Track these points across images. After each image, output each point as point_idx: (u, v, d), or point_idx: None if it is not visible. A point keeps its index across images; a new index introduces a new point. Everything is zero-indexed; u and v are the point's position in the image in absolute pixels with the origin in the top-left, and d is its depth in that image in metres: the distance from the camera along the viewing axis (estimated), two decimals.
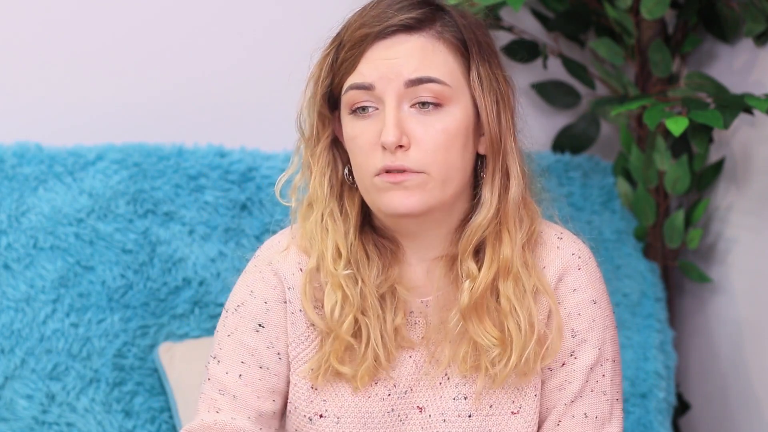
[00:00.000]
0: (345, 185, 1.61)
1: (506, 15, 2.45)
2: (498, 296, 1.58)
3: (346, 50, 1.57)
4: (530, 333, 1.57)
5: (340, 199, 1.61)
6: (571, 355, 1.61)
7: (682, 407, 2.48)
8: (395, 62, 1.54)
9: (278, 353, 1.61)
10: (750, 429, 2.36)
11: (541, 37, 2.49)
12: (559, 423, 1.62)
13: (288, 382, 1.62)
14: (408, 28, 1.55)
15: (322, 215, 1.60)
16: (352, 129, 1.57)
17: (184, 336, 2.16)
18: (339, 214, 1.60)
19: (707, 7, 2.38)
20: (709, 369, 2.46)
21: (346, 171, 1.61)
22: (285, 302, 1.61)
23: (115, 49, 2.32)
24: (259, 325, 1.61)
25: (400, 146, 1.52)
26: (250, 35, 2.39)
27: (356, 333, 1.58)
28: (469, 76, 1.57)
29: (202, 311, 2.17)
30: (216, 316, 2.17)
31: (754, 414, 2.35)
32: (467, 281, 1.56)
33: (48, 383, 2.08)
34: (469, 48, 1.57)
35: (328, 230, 1.59)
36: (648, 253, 2.46)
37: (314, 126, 1.61)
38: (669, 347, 2.37)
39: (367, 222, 1.62)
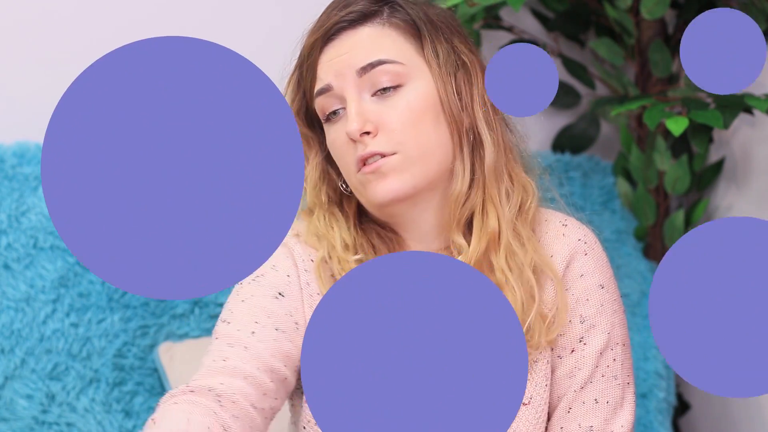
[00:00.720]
0: (343, 195, 1.63)
1: (506, 15, 2.45)
2: (494, 271, 1.57)
3: (305, 64, 1.60)
4: (529, 304, 1.56)
5: (340, 204, 1.63)
6: (581, 341, 1.60)
7: (682, 407, 2.48)
8: (345, 57, 1.56)
9: (296, 323, 1.55)
10: (750, 429, 2.36)
11: (541, 37, 2.49)
12: (570, 410, 1.61)
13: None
14: (353, 22, 1.57)
15: (325, 216, 1.61)
16: (329, 135, 1.59)
17: (184, 336, 2.16)
18: (340, 215, 1.61)
19: (707, 7, 2.38)
20: None
21: (341, 182, 1.62)
22: (300, 284, 1.57)
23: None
24: (279, 294, 1.56)
25: (367, 133, 1.53)
26: (250, 35, 2.39)
27: None
28: (424, 53, 1.57)
29: (202, 311, 2.17)
30: (216, 316, 2.17)
31: (754, 414, 2.35)
32: (459, 257, 1.56)
33: (48, 383, 2.08)
34: (420, 27, 1.58)
35: (333, 226, 1.60)
36: (648, 253, 2.46)
37: None
38: None
39: (367, 220, 1.63)
